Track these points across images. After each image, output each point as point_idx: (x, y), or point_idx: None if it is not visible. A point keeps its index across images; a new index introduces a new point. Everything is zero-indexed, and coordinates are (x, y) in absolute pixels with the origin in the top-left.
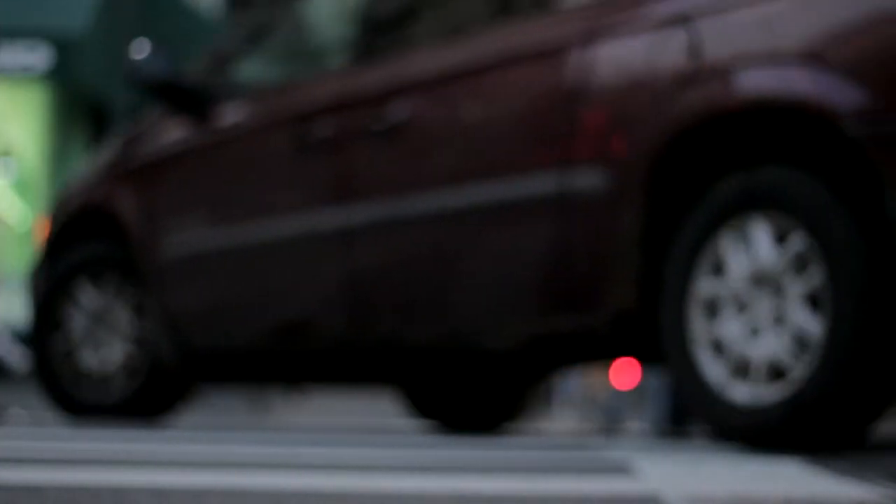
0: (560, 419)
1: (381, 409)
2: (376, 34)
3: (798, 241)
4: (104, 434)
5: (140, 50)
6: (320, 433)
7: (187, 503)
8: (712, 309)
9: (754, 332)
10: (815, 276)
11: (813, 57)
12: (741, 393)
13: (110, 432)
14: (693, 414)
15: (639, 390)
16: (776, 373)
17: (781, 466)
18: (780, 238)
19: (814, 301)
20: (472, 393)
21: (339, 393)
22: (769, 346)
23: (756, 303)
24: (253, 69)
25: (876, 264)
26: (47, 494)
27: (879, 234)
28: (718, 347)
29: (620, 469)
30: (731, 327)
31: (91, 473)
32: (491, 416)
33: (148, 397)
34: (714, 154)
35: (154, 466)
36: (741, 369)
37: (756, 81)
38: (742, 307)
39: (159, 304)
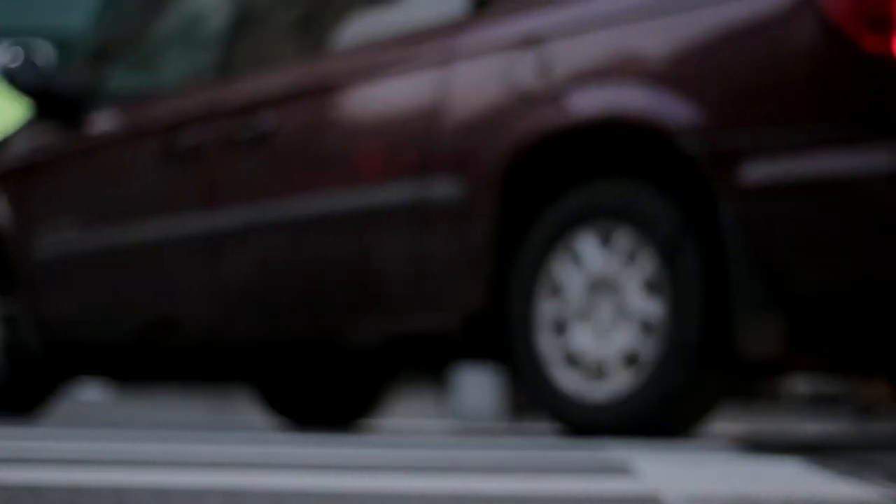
0: None
1: (380, 410)
2: (244, 46)
3: (645, 260)
4: (105, 434)
5: (14, 57)
6: (321, 433)
7: (187, 503)
8: (560, 302)
9: (593, 332)
10: (658, 295)
11: (650, 76)
12: (578, 386)
13: (110, 432)
14: (535, 408)
15: None
16: (608, 371)
17: (781, 466)
18: (632, 250)
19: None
20: (327, 390)
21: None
22: (605, 348)
23: (599, 305)
24: (125, 77)
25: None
26: (47, 494)
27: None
28: (560, 341)
29: (620, 469)
30: (574, 324)
31: (91, 473)
32: (344, 413)
33: (12, 395)
34: (564, 165)
35: (154, 466)
36: (577, 364)
37: (596, 100)
38: (586, 309)
39: (30, 303)
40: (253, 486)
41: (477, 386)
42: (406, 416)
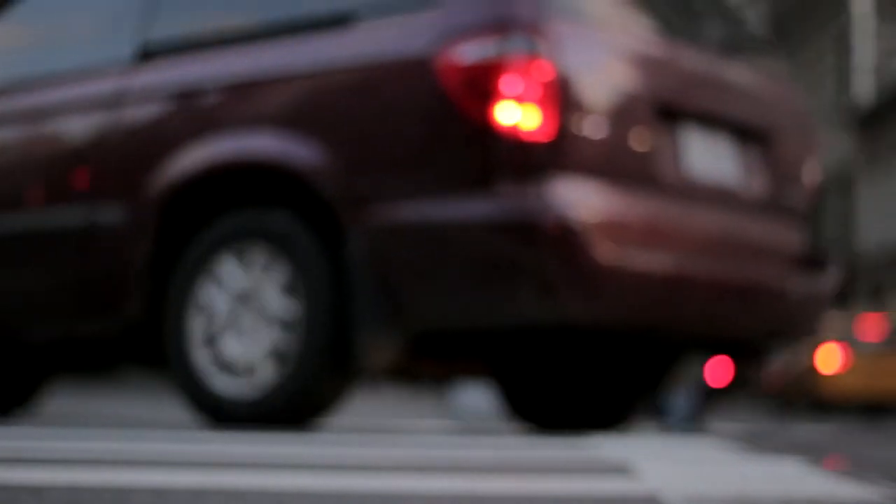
0: None
1: (381, 410)
2: None
3: (280, 269)
4: (104, 434)
5: None
6: (321, 433)
7: (187, 503)
8: (208, 319)
9: (241, 339)
10: (294, 298)
11: (289, 126)
12: (231, 388)
13: (110, 432)
14: (191, 409)
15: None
16: (257, 370)
17: (781, 466)
18: (267, 264)
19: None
20: None
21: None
22: (253, 351)
23: (243, 315)
24: None
25: (344, 288)
26: (47, 494)
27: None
28: (212, 352)
29: (620, 469)
30: (223, 336)
31: (91, 473)
32: (3, 404)
33: None
34: (218, 196)
35: (154, 466)
36: (229, 369)
37: (238, 145)
38: (232, 319)
39: None
40: (253, 486)
41: (477, 386)
42: (406, 417)
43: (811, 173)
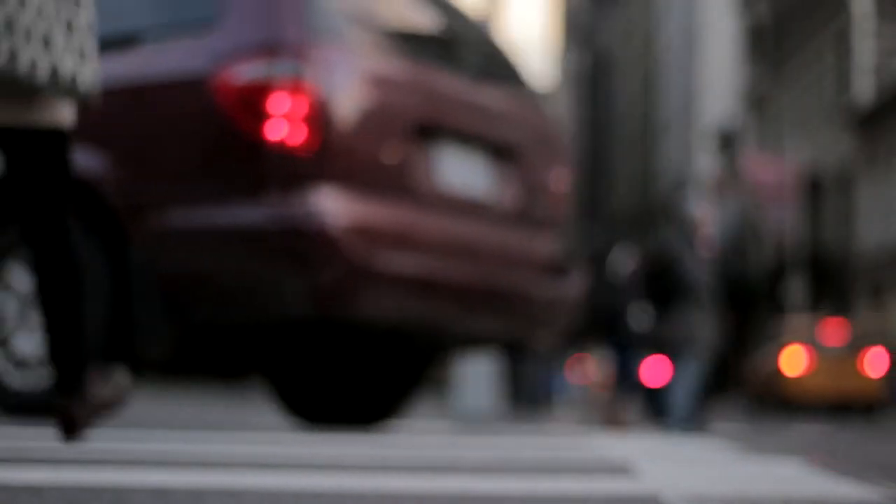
0: (560, 419)
1: None
2: None
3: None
4: (104, 434)
5: None
6: (320, 433)
7: (187, 503)
8: (0, 319)
9: (30, 337)
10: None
11: (79, 136)
12: (21, 382)
13: (110, 432)
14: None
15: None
16: (45, 367)
17: (781, 466)
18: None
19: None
20: None
21: None
22: (40, 348)
23: (32, 316)
24: None
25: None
26: (47, 494)
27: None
28: (5, 349)
29: (620, 469)
30: (14, 335)
31: (91, 473)
32: None
33: None
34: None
35: (154, 466)
36: (20, 364)
37: None
38: (22, 319)
39: None
40: (253, 486)
41: (476, 383)
42: (406, 417)
43: (560, 187)
